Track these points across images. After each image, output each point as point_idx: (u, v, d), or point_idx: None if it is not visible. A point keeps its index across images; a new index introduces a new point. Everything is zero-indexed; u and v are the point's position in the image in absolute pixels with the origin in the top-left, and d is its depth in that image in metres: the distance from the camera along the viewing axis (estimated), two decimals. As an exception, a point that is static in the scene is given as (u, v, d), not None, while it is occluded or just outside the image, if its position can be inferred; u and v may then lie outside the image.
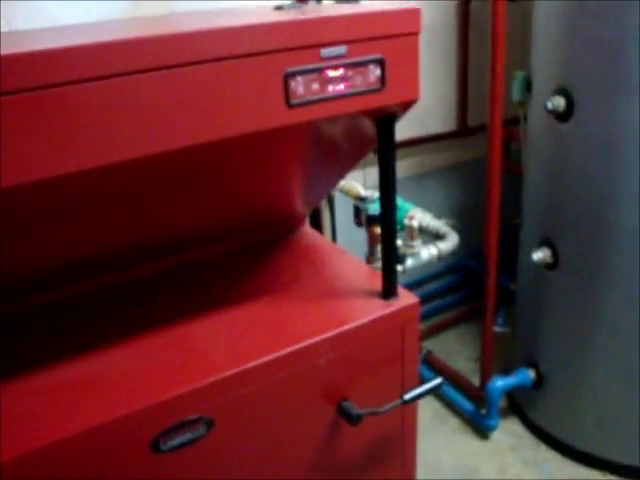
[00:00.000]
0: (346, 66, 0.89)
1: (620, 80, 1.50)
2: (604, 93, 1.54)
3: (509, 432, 2.10)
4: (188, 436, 0.98)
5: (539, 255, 1.78)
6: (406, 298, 1.16)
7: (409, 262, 1.48)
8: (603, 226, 1.65)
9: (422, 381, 1.16)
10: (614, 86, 1.52)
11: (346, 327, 1.09)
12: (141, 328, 1.11)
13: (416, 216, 1.61)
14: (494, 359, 2.09)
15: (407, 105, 0.99)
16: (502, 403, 2.17)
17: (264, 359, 1.02)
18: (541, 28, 1.71)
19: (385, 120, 1.01)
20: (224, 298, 1.20)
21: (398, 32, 0.92)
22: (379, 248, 1.37)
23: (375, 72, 0.92)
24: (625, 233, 1.62)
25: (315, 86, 0.88)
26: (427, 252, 1.52)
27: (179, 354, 1.05)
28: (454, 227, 1.60)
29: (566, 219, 1.73)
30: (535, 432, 2.07)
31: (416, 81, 0.97)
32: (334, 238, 1.83)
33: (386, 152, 1.04)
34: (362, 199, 1.76)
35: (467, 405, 2.13)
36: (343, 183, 1.99)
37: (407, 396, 1.13)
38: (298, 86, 0.86)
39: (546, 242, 1.80)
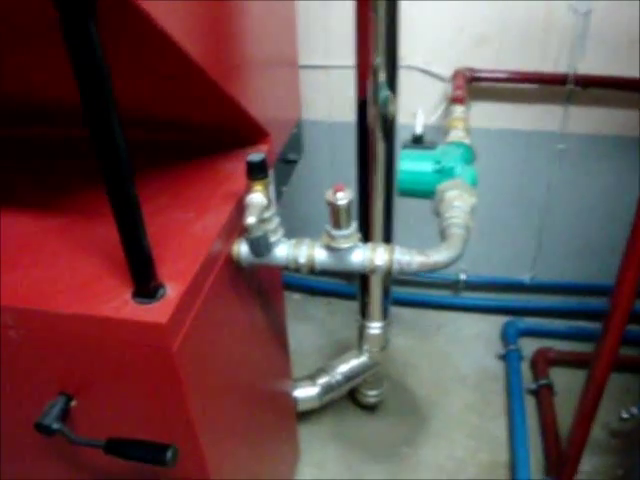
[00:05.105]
0: None
1: None
2: None
3: None
4: None
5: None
6: (155, 311, 0.68)
7: (322, 258, 0.87)
8: None
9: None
10: None
11: (39, 307, 0.71)
12: None
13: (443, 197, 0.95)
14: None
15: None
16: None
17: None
18: None
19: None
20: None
21: None
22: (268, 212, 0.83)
23: None
24: None
25: None
26: (363, 255, 0.84)
27: None
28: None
29: None
30: None
31: None
32: (389, 180, 1.26)
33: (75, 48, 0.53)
34: (416, 139, 1.15)
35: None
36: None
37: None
38: None
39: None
